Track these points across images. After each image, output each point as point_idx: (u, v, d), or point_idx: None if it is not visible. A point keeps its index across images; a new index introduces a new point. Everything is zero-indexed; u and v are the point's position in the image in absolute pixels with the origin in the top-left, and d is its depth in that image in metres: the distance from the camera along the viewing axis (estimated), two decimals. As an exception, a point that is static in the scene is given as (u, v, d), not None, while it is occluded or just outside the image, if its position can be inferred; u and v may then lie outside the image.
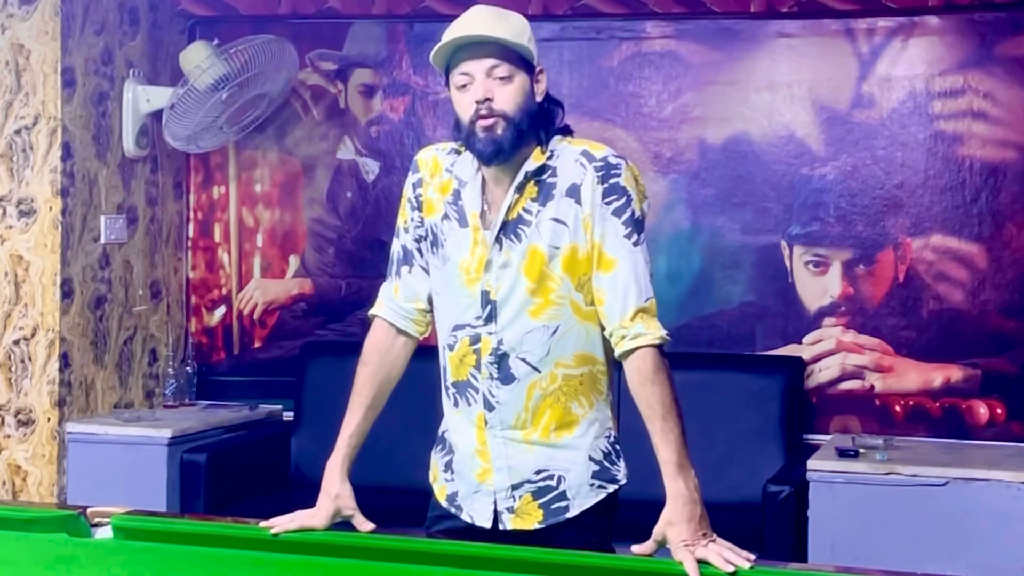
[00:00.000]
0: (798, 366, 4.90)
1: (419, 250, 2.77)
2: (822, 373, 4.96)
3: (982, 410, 4.82)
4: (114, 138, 5.09)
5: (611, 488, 2.73)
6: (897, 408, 4.89)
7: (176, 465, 4.76)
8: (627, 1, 5.07)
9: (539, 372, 2.65)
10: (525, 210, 2.63)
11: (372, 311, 2.84)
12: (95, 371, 5.01)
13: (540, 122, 2.64)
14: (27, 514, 2.69)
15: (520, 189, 2.63)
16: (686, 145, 5.08)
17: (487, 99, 2.57)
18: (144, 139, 5.20)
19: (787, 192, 4.99)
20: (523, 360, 2.64)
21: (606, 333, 2.65)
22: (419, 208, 2.75)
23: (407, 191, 2.79)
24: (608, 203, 2.60)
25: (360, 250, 5.40)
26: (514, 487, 2.69)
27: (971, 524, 4.18)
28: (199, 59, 4.95)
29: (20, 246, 4.84)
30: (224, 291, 5.55)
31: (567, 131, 2.70)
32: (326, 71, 5.43)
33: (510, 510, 2.70)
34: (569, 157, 2.64)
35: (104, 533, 2.63)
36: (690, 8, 5.03)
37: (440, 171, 2.74)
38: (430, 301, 2.80)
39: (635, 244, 2.62)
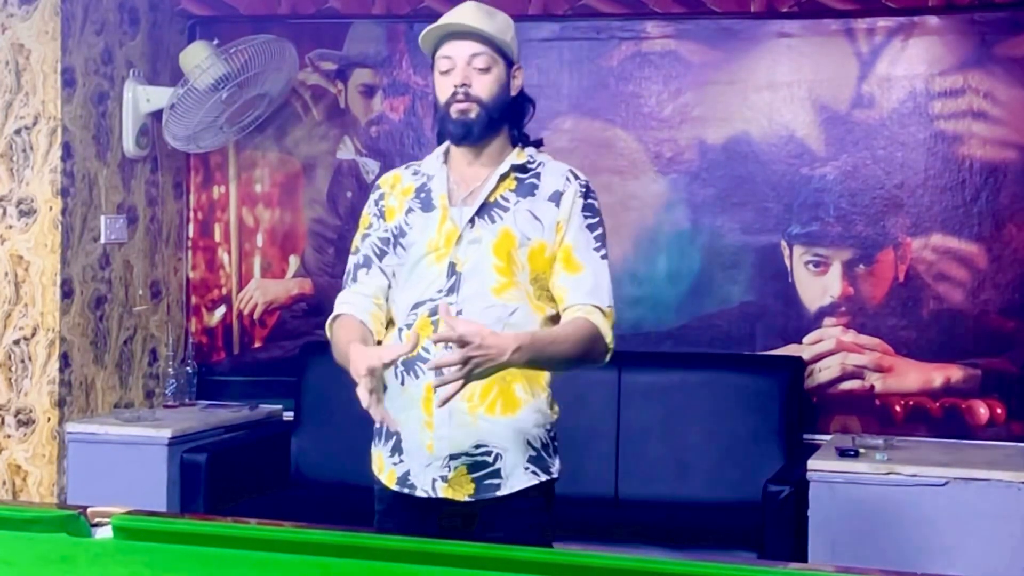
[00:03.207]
0: (798, 366, 4.90)
1: (377, 254, 2.89)
2: (822, 373, 4.96)
3: (982, 410, 4.82)
4: (114, 138, 5.09)
5: (544, 477, 2.83)
6: (897, 408, 4.89)
7: (176, 465, 4.76)
8: (627, 1, 5.06)
9: None
10: (503, 197, 2.82)
11: (329, 321, 2.90)
12: (95, 371, 5.01)
13: (511, 115, 2.85)
14: (27, 514, 2.69)
15: (503, 177, 2.82)
16: (686, 145, 5.08)
17: (464, 84, 2.79)
18: (144, 139, 5.20)
19: (787, 192, 4.99)
20: None
21: (560, 308, 2.81)
22: (382, 216, 2.91)
23: (368, 208, 2.95)
24: (586, 217, 2.84)
25: (360, 250, 5.39)
26: (452, 456, 2.79)
27: (971, 524, 4.18)
28: (199, 59, 4.95)
29: (20, 246, 4.84)
30: (224, 291, 5.55)
31: (539, 143, 2.92)
32: (326, 71, 5.42)
33: (444, 479, 2.80)
34: (555, 171, 2.87)
35: (104, 533, 2.63)
36: (690, 8, 5.02)
37: (400, 181, 2.94)
38: (386, 303, 2.89)
39: (603, 257, 2.85)
